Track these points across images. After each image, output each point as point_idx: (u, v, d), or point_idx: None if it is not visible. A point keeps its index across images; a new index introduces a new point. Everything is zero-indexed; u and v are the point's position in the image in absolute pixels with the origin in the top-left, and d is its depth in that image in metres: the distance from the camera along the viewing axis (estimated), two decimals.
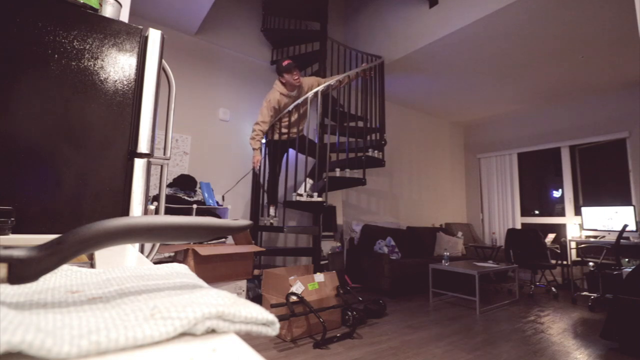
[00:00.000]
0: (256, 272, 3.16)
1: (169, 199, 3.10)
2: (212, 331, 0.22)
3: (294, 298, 2.51)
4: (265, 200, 3.55)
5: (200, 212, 3.22)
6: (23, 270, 0.22)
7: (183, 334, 0.21)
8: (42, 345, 0.16)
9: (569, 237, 4.86)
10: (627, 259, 3.89)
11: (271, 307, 2.49)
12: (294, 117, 3.38)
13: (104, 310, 0.23)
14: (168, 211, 2.98)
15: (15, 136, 0.99)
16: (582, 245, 4.24)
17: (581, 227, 4.62)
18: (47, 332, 0.18)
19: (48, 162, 1.03)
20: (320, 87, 3.32)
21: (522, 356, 2.32)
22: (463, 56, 4.01)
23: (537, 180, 5.80)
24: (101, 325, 0.20)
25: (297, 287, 2.58)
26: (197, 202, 3.22)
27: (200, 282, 0.34)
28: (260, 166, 3.43)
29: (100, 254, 0.56)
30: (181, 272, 0.37)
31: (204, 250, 2.63)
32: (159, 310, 0.22)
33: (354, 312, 2.75)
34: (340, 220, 4.66)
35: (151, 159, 1.23)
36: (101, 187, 1.11)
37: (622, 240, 3.63)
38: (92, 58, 1.13)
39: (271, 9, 4.18)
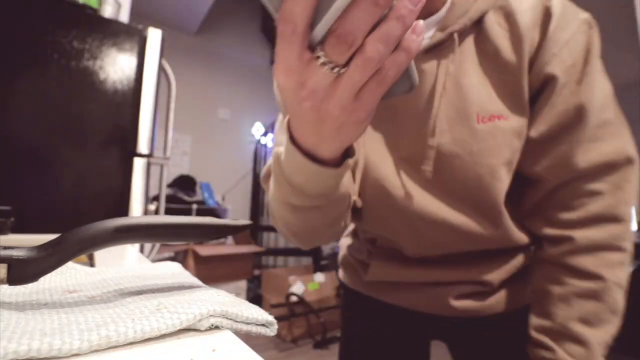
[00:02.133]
0: (256, 272, 3.16)
1: (169, 199, 3.10)
2: (214, 328, 0.23)
3: (294, 298, 2.51)
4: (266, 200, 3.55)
5: (200, 212, 3.22)
6: (23, 271, 0.22)
7: (183, 331, 0.21)
8: (50, 348, 0.17)
9: None
10: None
11: (271, 307, 2.48)
12: None
13: (107, 308, 0.23)
14: (168, 211, 2.97)
15: (15, 136, 0.99)
16: None
17: None
18: (54, 333, 0.18)
19: (48, 162, 1.03)
20: None
21: None
22: None
23: None
24: (108, 319, 0.20)
25: (297, 287, 2.58)
26: (197, 202, 3.22)
27: (196, 281, 0.34)
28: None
29: (100, 254, 0.56)
30: (176, 271, 0.38)
31: (204, 250, 2.63)
32: (164, 305, 0.23)
33: None
34: None
35: (151, 159, 1.24)
36: (101, 187, 1.11)
37: None
38: (92, 58, 1.13)
39: None
